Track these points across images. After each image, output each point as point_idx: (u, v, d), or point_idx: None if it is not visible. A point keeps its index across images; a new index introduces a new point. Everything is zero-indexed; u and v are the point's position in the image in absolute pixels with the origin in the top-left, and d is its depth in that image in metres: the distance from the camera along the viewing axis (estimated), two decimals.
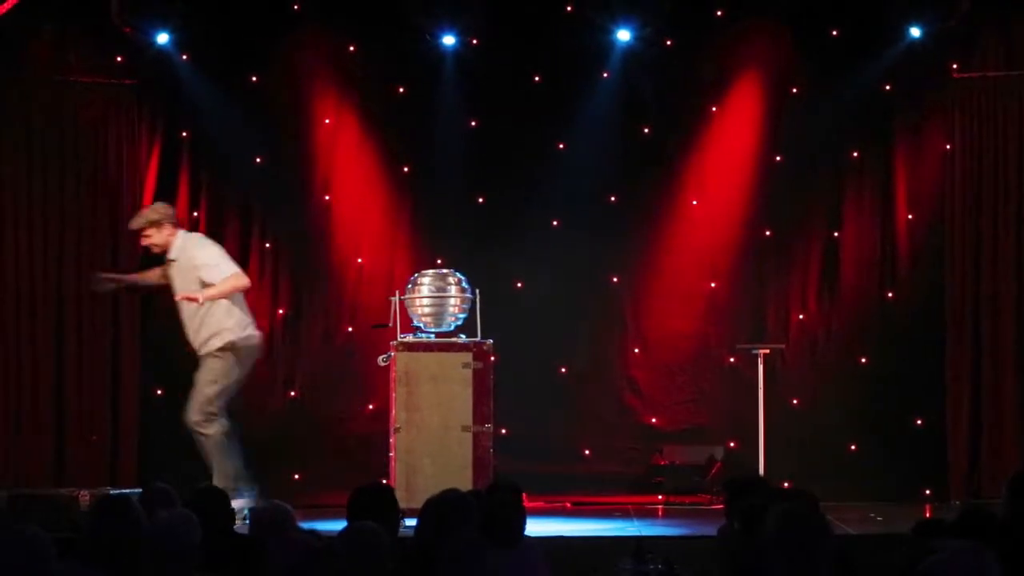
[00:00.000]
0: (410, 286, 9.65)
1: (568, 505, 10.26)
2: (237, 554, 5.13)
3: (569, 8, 11.06)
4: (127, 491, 7.46)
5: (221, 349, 9.40)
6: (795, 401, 10.97)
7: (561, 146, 11.16)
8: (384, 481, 8.51)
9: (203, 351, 9.41)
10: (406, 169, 11.23)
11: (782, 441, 10.31)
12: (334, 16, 11.02)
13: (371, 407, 10.86)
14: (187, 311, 9.41)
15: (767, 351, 10.34)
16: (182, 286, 9.37)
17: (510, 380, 10.12)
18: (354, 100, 11.21)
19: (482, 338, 9.53)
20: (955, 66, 10.85)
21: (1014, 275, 10.67)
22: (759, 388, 10.14)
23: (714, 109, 11.20)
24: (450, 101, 11.08)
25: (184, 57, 10.87)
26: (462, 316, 9.63)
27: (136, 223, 9.58)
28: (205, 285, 9.30)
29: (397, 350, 9.39)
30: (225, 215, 11.10)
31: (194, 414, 9.38)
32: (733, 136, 11.21)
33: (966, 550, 3.84)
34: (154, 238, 9.47)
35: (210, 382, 9.39)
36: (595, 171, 11.06)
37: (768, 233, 11.16)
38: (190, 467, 10.05)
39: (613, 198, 11.19)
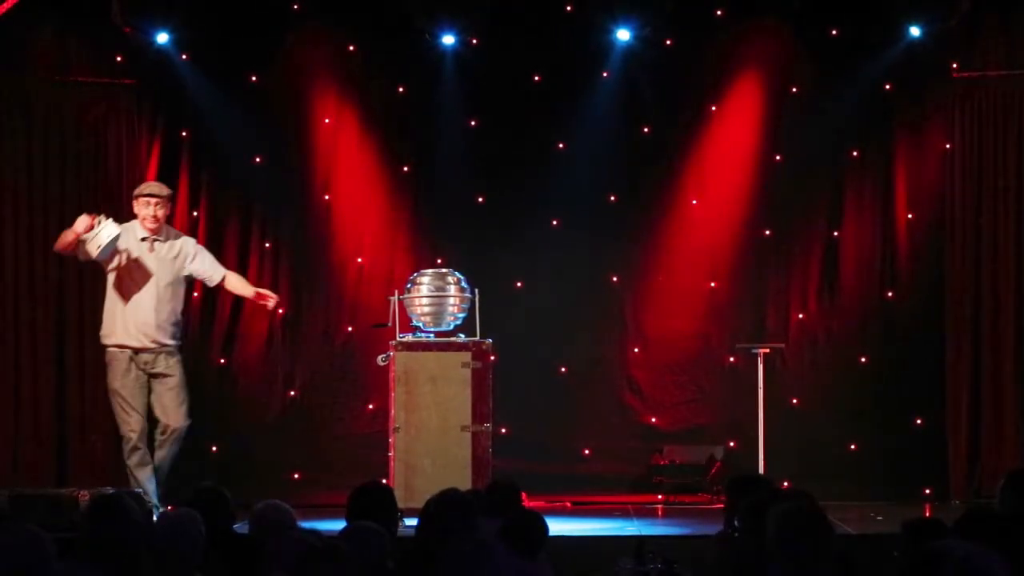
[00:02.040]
0: (409, 286, 9.65)
1: (568, 505, 10.25)
2: (237, 554, 5.13)
3: (569, 8, 11.06)
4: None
5: (178, 348, 9.39)
6: (795, 401, 10.97)
7: (561, 146, 11.16)
8: (383, 481, 8.51)
9: (166, 346, 9.26)
10: (406, 169, 11.23)
11: (782, 441, 10.31)
12: (334, 16, 11.02)
13: (371, 407, 10.86)
14: (163, 296, 9.29)
15: (767, 351, 10.34)
16: (162, 273, 9.29)
17: (510, 380, 10.13)
18: (354, 100, 11.21)
19: (481, 337, 9.53)
20: (955, 66, 10.84)
21: (1014, 275, 10.67)
22: (759, 388, 10.14)
23: (714, 109, 11.20)
24: (450, 101, 11.08)
25: (184, 57, 10.87)
26: (461, 316, 9.63)
27: (161, 189, 9.42)
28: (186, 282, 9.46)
29: (396, 350, 9.39)
30: (225, 215, 11.10)
31: (184, 418, 9.30)
32: (733, 136, 11.20)
33: (977, 553, 3.82)
34: (160, 212, 9.36)
35: (186, 382, 9.34)
36: (595, 171, 11.06)
37: (768, 233, 11.15)
38: (190, 467, 10.06)
39: (613, 198, 11.19)
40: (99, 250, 9.12)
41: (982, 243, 10.73)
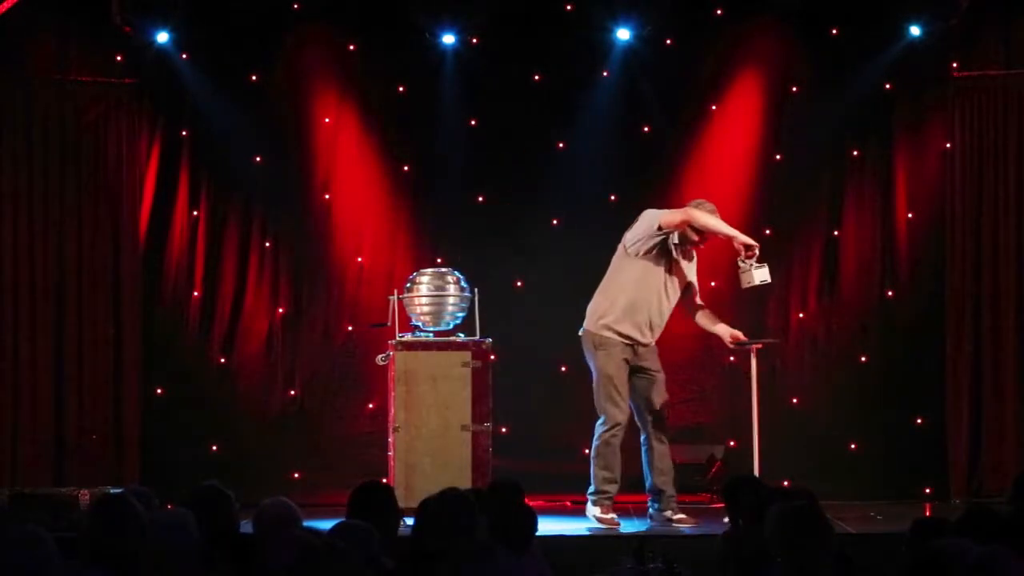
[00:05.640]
0: (409, 285, 9.65)
1: (568, 505, 10.23)
2: (237, 554, 5.12)
3: (569, 7, 11.06)
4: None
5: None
6: (795, 400, 10.97)
7: (561, 146, 11.16)
8: (383, 480, 8.51)
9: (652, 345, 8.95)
10: (406, 169, 11.23)
11: (782, 440, 10.31)
12: (334, 16, 11.02)
13: (371, 406, 10.86)
14: (669, 302, 8.95)
15: (759, 346, 10.29)
16: (679, 282, 8.96)
17: (510, 379, 10.13)
18: (354, 100, 11.21)
19: (481, 337, 9.53)
20: (955, 65, 10.85)
21: (1014, 274, 10.67)
22: (752, 383, 10.11)
23: (714, 108, 11.20)
24: (450, 101, 11.08)
25: (184, 57, 10.87)
26: (460, 315, 9.64)
27: None
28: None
29: (396, 349, 9.39)
30: (225, 215, 11.09)
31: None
32: (733, 135, 11.20)
33: (990, 553, 3.82)
34: None
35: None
36: (595, 170, 11.06)
37: (768, 232, 11.14)
38: (190, 466, 10.07)
39: (613, 197, 11.18)
40: (748, 286, 8.92)
41: (982, 243, 10.73)
